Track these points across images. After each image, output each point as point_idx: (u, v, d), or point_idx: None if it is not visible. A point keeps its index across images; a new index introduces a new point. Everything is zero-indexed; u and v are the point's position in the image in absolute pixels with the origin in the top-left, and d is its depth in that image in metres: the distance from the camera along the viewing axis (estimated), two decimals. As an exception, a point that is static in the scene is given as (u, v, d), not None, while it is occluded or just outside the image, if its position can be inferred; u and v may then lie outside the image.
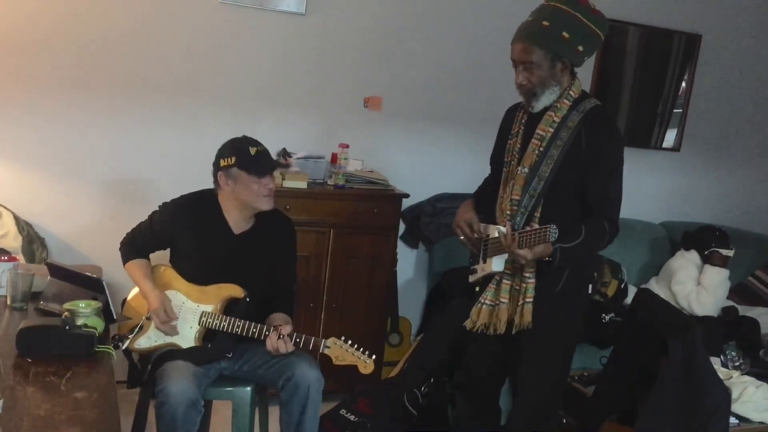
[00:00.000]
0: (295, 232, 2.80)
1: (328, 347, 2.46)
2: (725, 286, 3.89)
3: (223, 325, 2.52)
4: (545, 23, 2.33)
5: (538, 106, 2.42)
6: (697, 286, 3.87)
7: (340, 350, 2.46)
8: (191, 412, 2.31)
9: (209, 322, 2.53)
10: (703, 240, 4.01)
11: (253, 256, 2.65)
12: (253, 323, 2.51)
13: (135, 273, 2.62)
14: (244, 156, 2.55)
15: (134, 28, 3.46)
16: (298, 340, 2.47)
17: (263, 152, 2.61)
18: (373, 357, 2.46)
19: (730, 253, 3.92)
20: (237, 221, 2.65)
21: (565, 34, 2.32)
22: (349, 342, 2.48)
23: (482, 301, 2.55)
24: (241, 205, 2.62)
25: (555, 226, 2.21)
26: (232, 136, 3.56)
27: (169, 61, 3.54)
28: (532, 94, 2.40)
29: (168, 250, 2.72)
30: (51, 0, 3.32)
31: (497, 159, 2.63)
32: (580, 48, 2.36)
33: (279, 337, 2.46)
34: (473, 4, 3.98)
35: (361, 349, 2.47)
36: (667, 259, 4.13)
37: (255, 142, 2.61)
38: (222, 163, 2.57)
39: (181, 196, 2.70)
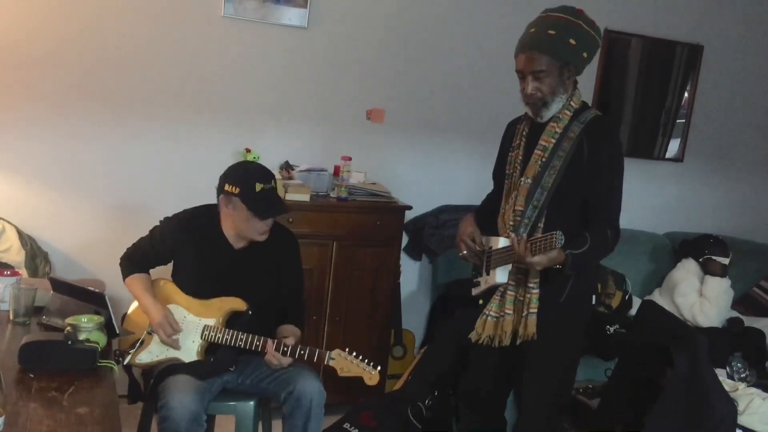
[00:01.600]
0: (298, 244, 2.79)
1: (333, 359, 2.46)
2: (728, 295, 3.88)
3: (226, 339, 2.51)
4: (551, 32, 2.36)
5: (548, 115, 2.43)
6: (699, 298, 3.86)
7: (345, 362, 2.46)
8: (194, 427, 2.29)
9: (211, 335, 2.53)
10: (698, 248, 4.01)
11: (254, 269, 2.64)
12: (256, 336, 2.50)
13: (135, 288, 2.61)
14: (249, 191, 2.49)
15: (137, 42, 3.48)
16: (302, 351, 2.47)
17: (269, 191, 2.53)
18: (378, 368, 2.45)
19: (726, 260, 3.92)
20: (236, 238, 2.64)
21: (572, 41, 2.35)
22: (354, 353, 2.48)
23: (487, 312, 2.55)
24: (236, 229, 2.61)
25: (560, 233, 2.22)
26: (235, 149, 3.61)
27: (172, 76, 3.55)
28: (542, 104, 2.41)
29: (167, 265, 2.71)
30: (55, 15, 3.34)
31: (500, 174, 2.63)
32: (585, 55, 2.40)
33: (277, 349, 2.46)
34: (475, 16, 3.99)
35: (366, 360, 2.47)
36: (671, 270, 4.12)
37: (263, 177, 2.53)
38: (226, 187, 2.53)
39: (182, 212, 2.70)
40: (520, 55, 2.41)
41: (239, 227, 2.57)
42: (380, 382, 2.48)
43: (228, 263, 2.62)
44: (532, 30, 2.40)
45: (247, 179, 2.51)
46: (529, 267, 2.37)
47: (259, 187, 2.50)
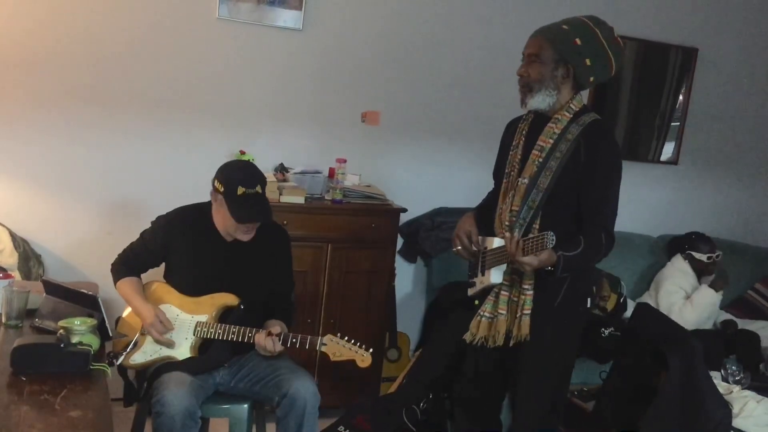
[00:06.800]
0: (289, 242, 2.80)
1: (325, 344, 2.45)
2: (712, 309, 3.85)
3: (218, 333, 2.51)
4: (564, 27, 2.39)
5: (531, 103, 2.43)
6: (684, 300, 3.85)
7: (337, 346, 2.45)
8: (188, 422, 2.29)
9: (204, 331, 2.53)
10: (681, 242, 4.07)
11: (246, 263, 2.65)
12: (248, 328, 2.50)
13: (126, 291, 2.62)
14: (231, 192, 2.49)
15: (132, 44, 3.47)
16: (294, 340, 2.47)
17: (252, 195, 2.50)
18: (371, 350, 2.45)
19: (714, 255, 3.93)
20: (226, 232, 2.64)
21: (577, 40, 2.36)
22: (346, 337, 2.47)
23: (481, 313, 2.54)
24: (222, 224, 2.61)
25: (552, 233, 2.20)
26: (230, 151, 3.60)
27: (166, 77, 3.54)
28: (528, 89, 2.42)
29: (159, 268, 2.71)
30: (49, 18, 3.33)
31: (500, 173, 2.63)
32: (588, 61, 2.38)
33: (267, 335, 2.46)
34: (471, 18, 3.99)
35: (358, 344, 2.46)
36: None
37: (249, 180, 2.51)
38: (215, 183, 2.56)
39: (172, 210, 2.71)
40: (529, 38, 2.45)
41: (223, 223, 2.59)
42: (372, 364, 2.46)
43: (220, 256, 2.63)
44: (557, 21, 2.44)
45: (231, 180, 2.51)
46: (520, 267, 2.35)
47: (241, 190, 2.48)
